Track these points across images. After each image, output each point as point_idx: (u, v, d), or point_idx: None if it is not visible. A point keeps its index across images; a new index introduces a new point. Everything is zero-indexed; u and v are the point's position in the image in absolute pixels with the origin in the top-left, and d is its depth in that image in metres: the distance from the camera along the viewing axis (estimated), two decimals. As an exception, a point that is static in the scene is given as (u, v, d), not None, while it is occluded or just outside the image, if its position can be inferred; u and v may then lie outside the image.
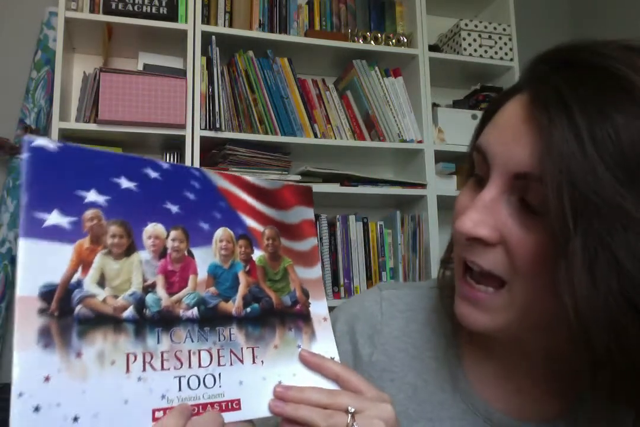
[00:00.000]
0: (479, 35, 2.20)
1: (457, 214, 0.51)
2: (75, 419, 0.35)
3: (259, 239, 0.49)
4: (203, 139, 1.79)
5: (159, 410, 0.39)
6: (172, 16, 1.84)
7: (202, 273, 0.44)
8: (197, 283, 0.44)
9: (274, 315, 0.48)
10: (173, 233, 0.43)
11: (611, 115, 0.41)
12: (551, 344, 0.52)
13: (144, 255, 0.42)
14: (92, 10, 1.82)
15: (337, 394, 0.45)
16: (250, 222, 0.49)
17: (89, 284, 0.39)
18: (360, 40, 2.08)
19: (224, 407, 0.42)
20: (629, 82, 0.42)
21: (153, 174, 0.43)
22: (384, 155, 2.13)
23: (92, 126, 1.72)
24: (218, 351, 0.43)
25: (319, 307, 0.51)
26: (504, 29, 2.23)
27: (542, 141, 0.43)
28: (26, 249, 0.36)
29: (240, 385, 0.43)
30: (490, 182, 0.47)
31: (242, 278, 0.47)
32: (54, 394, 0.35)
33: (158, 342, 0.40)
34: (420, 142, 2.04)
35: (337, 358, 0.50)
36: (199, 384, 0.41)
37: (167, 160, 1.88)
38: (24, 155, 0.38)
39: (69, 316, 0.37)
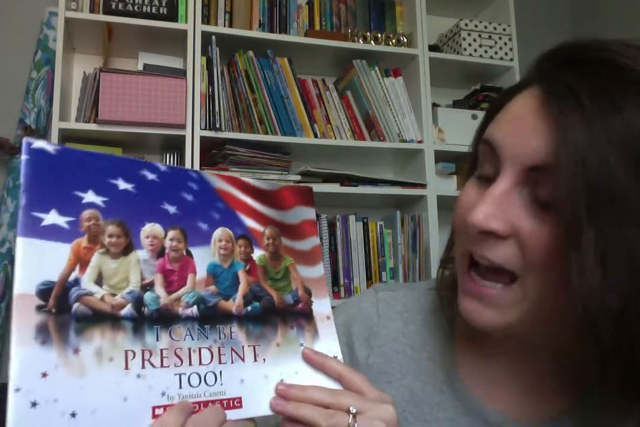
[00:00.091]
0: (479, 35, 2.20)
1: (463, 210, 0.50)
2: (73, 415, 0.35)
3: (259, 239, 0.49)
4: (203, 139, 1.79)
5: (159, 407, 0.39)
6: (172, 16, 1.85)
7: (201, 272, 0.45)
8: (196, 282, 0.44)
9: (276, 313, 0.48)
10: (171, 233, 0.44)
11: (622, 107, 0.42)
12: (560, 339, 0.52)
13: (142, 254, 0.42)
14: (92, 10, 1.82)
15: (339, 394, 0.45)
16: (250, 223, 0.49)
17: (87, 282, 0.39)
18: (360, 40, 2.08)
19: (225, 405, 0.42)
20: (637, 74, 0.43)
21: (150, 176, 0.44)
22: (384, 155, 2.13)
23: (92, 126, 1.72)
24: (219, 348, 0.43)
25: (321, 306, 0.51)
26: (504, 29, 2.23)
27: (557, 134, 0.43)
28: (24, 247, 0.37)
29: (241, 383, 0.44)
30: (502, 175, 0.47)
31: (242, 277, 0.47)
32: (51, 390, 0.35)
33: (157, 339, 0.41)
34: (420, 142, 2.04)
35: (339, 357, 0.50)
36: (199, 382, 0.41)
37: (167, 160, 1.88)
38: (23, 158, 0.38)
39: (66, 313, 0.37)
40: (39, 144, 0.39)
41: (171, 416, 0.38)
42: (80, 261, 0.39)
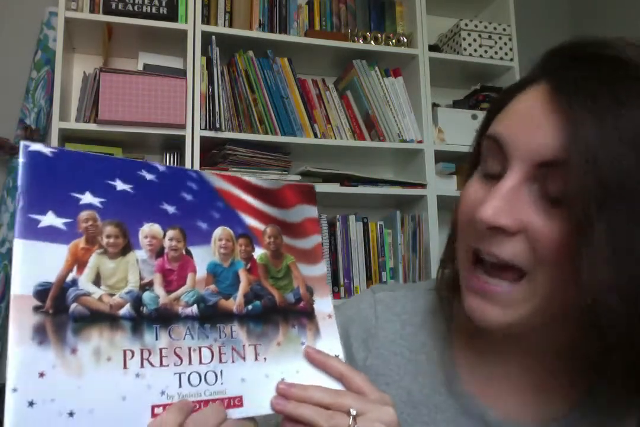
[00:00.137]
0: (479, 35, 2.20)
1: (469, 206, 0.50)
2: (71, 414, 0.36)
3: (259, 238, 0.49)
4: (203, 139, 1.79)
5: (158, 406, 0.39)
6: (172, 16, 1.85)
7: (201, 271, 0.45)
8: (196, 281, 0.44)
9: (277, 312, 0.48)
10: (170, 233, 0.44)
11: (631, 103, 0.42)
12: (560, 337, 0.52)
13: (140, 254, 0.42)
14: (92, 10, 1.82)
15: (340, 395, 0.45)
16: (251, 221, 0.49)
17: (84, 282, 0.39)
18: (360, 40, 2.08)
19: (226, 404, 0.42)
20: None
21: (149, 176, 0.44)
22: (384, 155, 2.13)
23: (92, 126, 1.72)
24: (219, 348, 0.43)
25: (323, 305, 0.51)
26: (504, 29, 2.23)
27: (567, 130, 0.43)
28: (21, 249, 0.37)
29: (242, 382, 0.43)
30: (510, 171, 0.47)
31: (242, 276, 0.47)
32: (49, 389, 0.35)
33: (156, 339, 0.41)
34: (420, 142, 2.03)
35: (341, 356, 0.49)
36: (200, 381, 0.41)
37: (167, 160, 1.88)
38: (21, 160, 0.39)
39: (63, 314, 0.38)
40: (35, 146, 0.40)
41: (170, 415, 0.38)
42: (78, 261, 0.39)
